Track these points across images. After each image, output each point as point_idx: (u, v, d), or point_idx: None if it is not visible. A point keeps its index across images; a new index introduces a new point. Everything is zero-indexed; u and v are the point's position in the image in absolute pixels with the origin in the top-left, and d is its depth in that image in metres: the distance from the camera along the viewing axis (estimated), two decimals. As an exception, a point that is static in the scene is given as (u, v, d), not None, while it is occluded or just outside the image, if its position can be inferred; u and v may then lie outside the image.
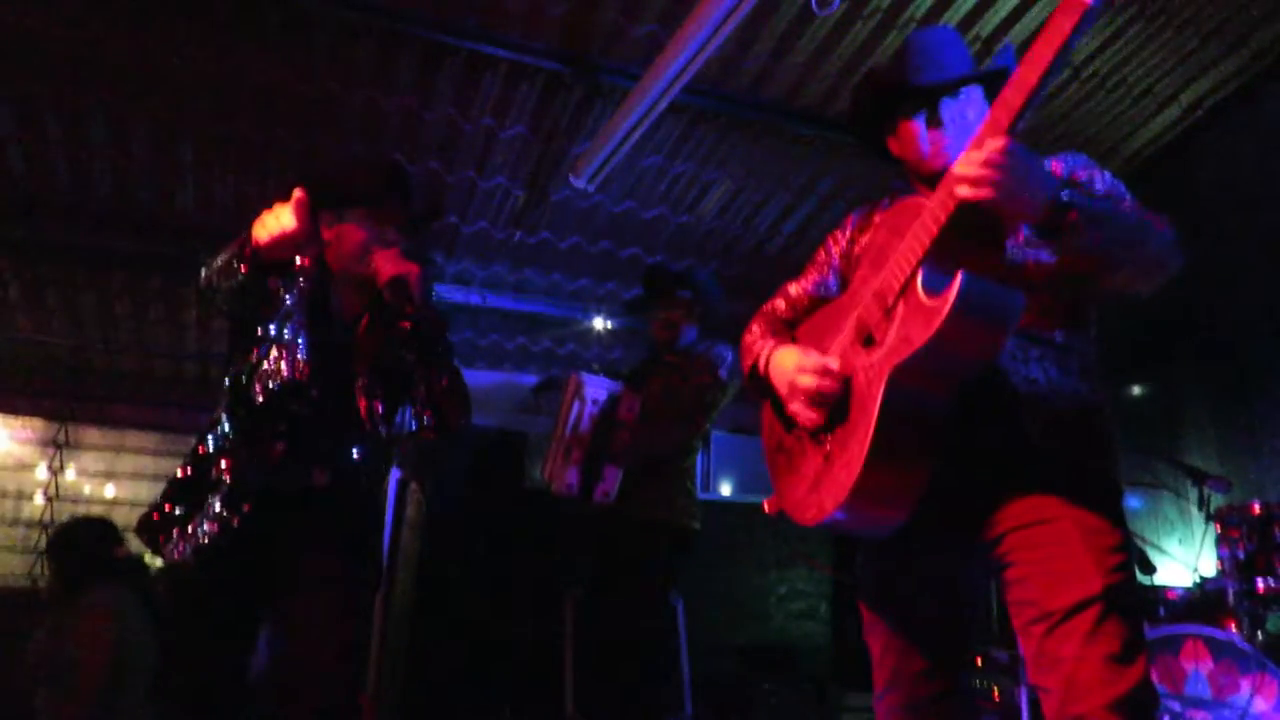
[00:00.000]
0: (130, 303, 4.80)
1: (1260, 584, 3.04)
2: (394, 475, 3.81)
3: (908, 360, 1.33)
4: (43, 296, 4.71)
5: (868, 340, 1.47)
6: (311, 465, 1.96)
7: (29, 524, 5.20)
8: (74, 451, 5.37)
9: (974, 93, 1.63)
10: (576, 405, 3.24)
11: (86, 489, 5.40)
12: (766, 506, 1.72)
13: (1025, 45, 1.26)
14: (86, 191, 4.07)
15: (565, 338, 5.56)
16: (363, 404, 2.01)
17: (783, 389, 1.63)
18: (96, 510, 5.07)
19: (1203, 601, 3.27)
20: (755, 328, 1.83)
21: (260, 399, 1.94)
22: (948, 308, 1.26)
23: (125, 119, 3.74)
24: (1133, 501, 4.44)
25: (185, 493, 1.95)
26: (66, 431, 5.32)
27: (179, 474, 1.99)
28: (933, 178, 1.53)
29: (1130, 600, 1.39)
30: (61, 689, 3.37)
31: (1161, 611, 3.37)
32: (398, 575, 4.50)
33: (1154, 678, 3.02)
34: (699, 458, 5.49)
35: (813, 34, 3.60)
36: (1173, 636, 3.02)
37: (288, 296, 2.00)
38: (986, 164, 1.25)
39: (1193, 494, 3.48)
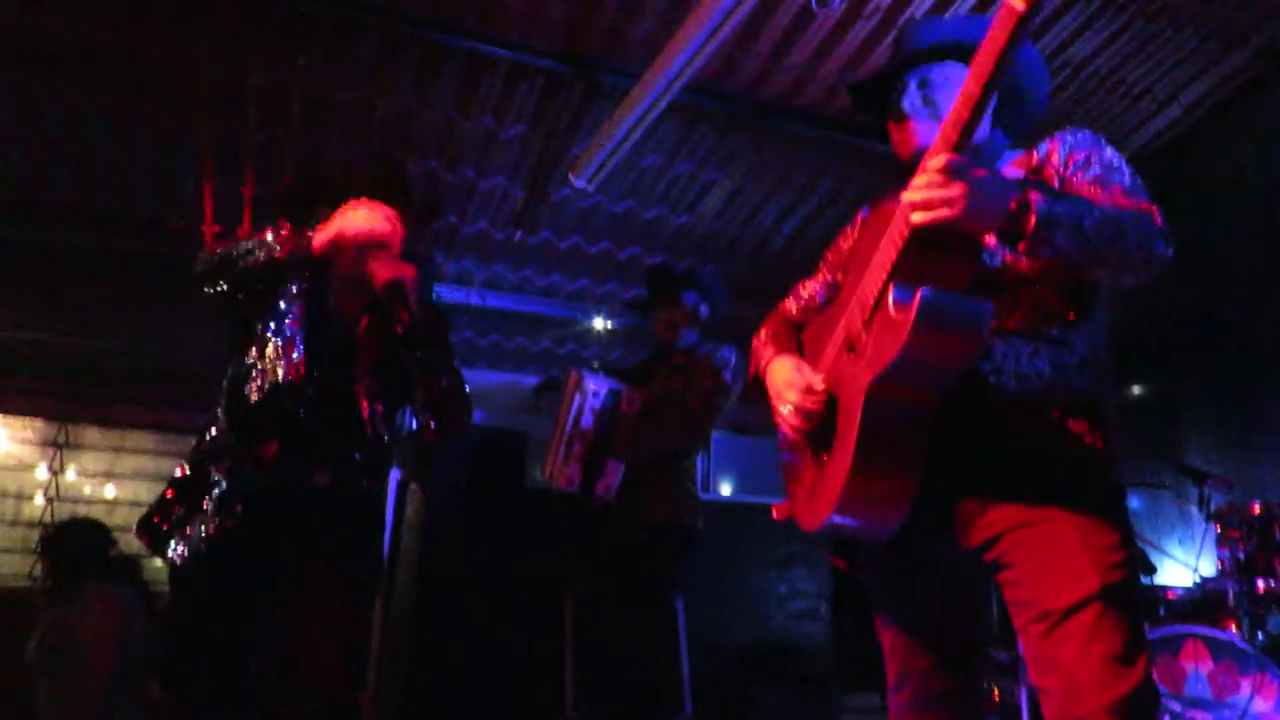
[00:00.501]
0: (130, 303, 4.80)
1: (1260, 584, 3.04)
2: (394, 475, 3.81)
3: (882, 373, 1.34)
4: (43, 297, 4.72)
5: (853, 348, 1.48)
6: (312, 466, 1.96)
7: (29, 524, 5.20)
8: (74, 451, 5.37)
9: (951, 73, 1.60)
10: (578, 399, 3.24)
11: (86, 489, 5.40)
12: (776, 513, 1.72)
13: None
14: (86, 191, 4.07)
15: (565, 338, 5.56)
16: (364, 406, 2.01)
17: (773, 401, 1.66)
18: (97, 510, 5.08)
19: (1203, 601, 3.27)
20: (763, 332, 1.85)
21: (255, 399, 1.95)
22: (909, 325, 1.27)
23: (125, 119, 3.74)
24: (1133, 501, 4.44)
25: (184, 493, 1.95)
26: (66, 431, 5.32)
27: (178, 474, 1.99)
28: (909, 169, 1.51)
29: (1130, 599, 1.37)
30: (67, 685, 3.39)
31: (1161, 611, 3.37)
32: (398, 575, 4.50)
33: (1154, 678, 3.01)
34: (699, 457, 5.51)
35: (813, 34, 3.60)
36: (1173, 636, 3.02)
37: (282, 299, 2.00)
38: (931, 185, 1.25)
39: (1193, 494, 3.48)
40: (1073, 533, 1.38)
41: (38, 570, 3.81)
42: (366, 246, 1.92)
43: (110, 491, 5.44)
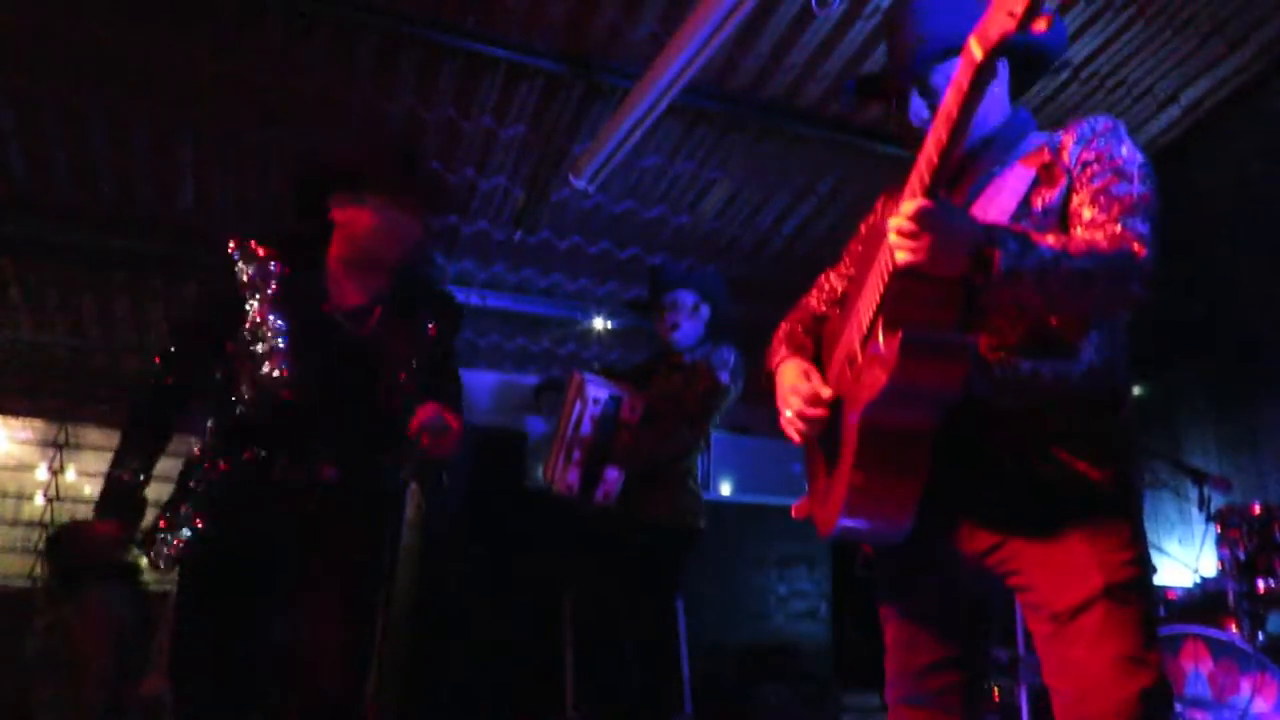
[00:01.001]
0: (130, 303, 4.80)
1: (1260, 584, 3.03)
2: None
3: (873, 402, 1.35)
4: (43, 296, 4.72)
5: (852, 364, 1.48)
6: (315, 461, 1.96)
7: (29, 524, 5.20)
8: (74, 452, 5.38)
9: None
10: (578, 406, 3.25)
11: (86, 489, 5.40)
12: (795, 511, 1.73)
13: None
14: (86, 191, 4.07)
15: (565, 338, 5.56)
16: (383, 398, 2.01)
17: (779, 404, 1.67)
18: (96, 510, 5.08)
19: (1203, 601, 3.27)
20: (782, 328, 1.85)
21: (247, 397, 1.95)
22: (893, 363, 1.29)
23: (125, 119, 3.74)
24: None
25: (171, 500, 1.97)
26: (66, 431, 5.32)
27: (179, 477, 2.00)
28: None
29: (1140, 597, 1.36)
30: (65, 686, 3.40)
31: (1161, 611, 3.37)
32: (398, 575, 4.50)
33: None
34: (699, 457, 5.50)
35: (813, 34, 3.60)
36: (1173, 636, 3.02)
37: (255, 298, 1.99)
38: (901, 233, 1.27)
39: (1193, 494, 3.48)
40: (1077, 533, 1.38)
41: (38, 570, 3.82)
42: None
43: (110, 491, 5.43)
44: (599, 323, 5.29)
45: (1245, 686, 2.80)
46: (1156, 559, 3.61)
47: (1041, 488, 1.42)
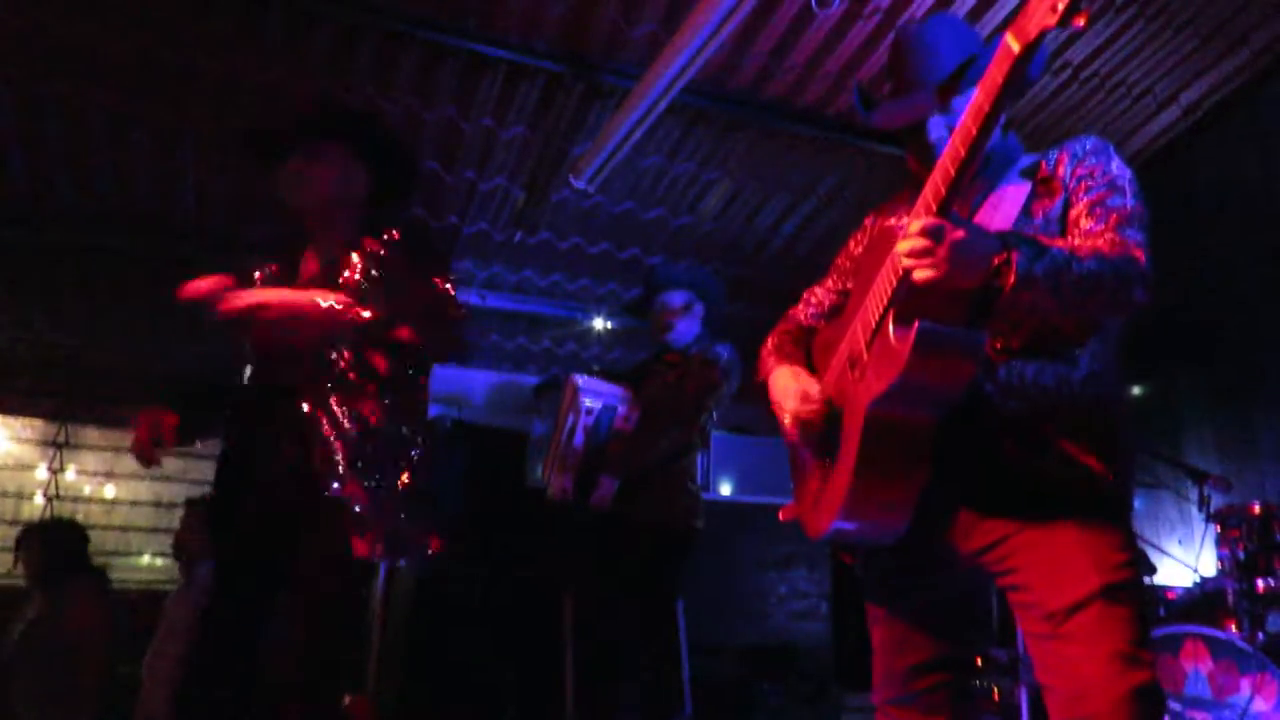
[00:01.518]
0: (130, 302, 4.80)
1: (1260, 584, 3.04)
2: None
3: (880, 397, 1.36)
4: (43, 296, 4.72)
5: (855, 366, 1.50)
6: (279, 467, 1.97)
7: (29, 524, 5.20)
8: (74, 451, 5.38)
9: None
10: (572, 416, 3.27)
11: (86, 489, 5.40)
12: (783, 514, 1.74)
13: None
14: (86, 191, 4.07)
15: (565, 338, 5.57)
16: (307, 407, 1.96)
17: (775, 410, 1.69)
18: (96, 510, 5.09)
19: (1203, 601, 3.27)
20: (770, 341, 1.87)
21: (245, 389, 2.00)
22: (905, 356, 1.30)
23: (125, 119, 3.74)
24: (1133, 501, 4.43)
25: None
26: (66, 431, 5.32)
27: None
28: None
29: (1134, 597, 1.38)
30: (56, 680, 3.42)
31: (1161, 611, 3.37)
32: (397, 575, 4.50)
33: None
34: (699, 456, 5.50)
35: (813, 34, 3.60)
36: (1173, 636, 3.01)
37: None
38: (914, 248, 1.28)
39: (1193, 494, 3.48)
40: (1073, 534, 1.40)
41: (17, 567, 3.84)
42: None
43: (110, 491, 5.44)
44: (599, 323, 5.30)
45: (1245, 686, 2.80)
46: (1156, 559, 3.62)
47: (1040, 488, 1.43)
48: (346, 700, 4.09)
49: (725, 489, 5.35)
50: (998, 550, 1.47)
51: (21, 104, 3.64)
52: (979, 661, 3.59)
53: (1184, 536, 4.26)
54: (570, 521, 3.50)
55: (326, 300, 1.89)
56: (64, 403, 5.28)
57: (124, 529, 5.35)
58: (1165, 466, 3.97)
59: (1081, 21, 1.10)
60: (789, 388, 1.64)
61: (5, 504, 5.21)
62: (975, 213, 1.54)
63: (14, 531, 5.14)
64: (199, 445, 5.64)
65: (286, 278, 2.11)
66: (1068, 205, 1.52)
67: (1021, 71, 1.18)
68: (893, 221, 1.65)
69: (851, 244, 1.87)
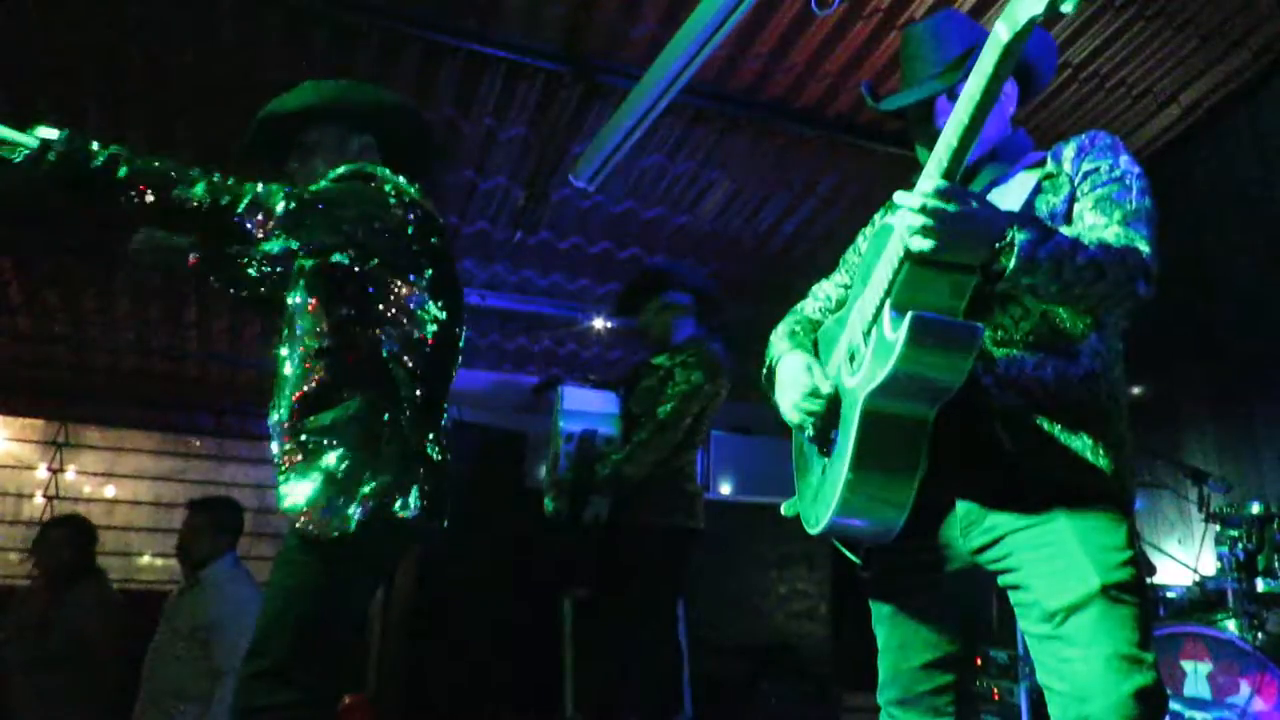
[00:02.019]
0: (130, 303, 4.80)
1: (1260, 584, 3.04)
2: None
3: (876, 388, 1.35)
4: (43, 296, 4.71)
5: (853, 357, 1.50)
6: None
7: (29, 523, 5.20)
8: (74, 451, 5.37)
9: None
10: (556, 442, 3.36)
11: (86, 489, 5.40)
12: (785, 509, 1.73)
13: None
14: (86, 191, 4.07)
15: (565, 338, 5.57)
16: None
17: (780, 399, 1.68)
18: (96, 510, 5.08)
19: (1203, 601, 3.27)
20: (781, 327, 1.86)
21: None
22: (899, 345, 1.28)
23: (125, 119, 3.74)
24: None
25: None
26: (66, 431, 5.32)
27: None
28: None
29: (1135, 597, 1.36)
30: (71, 678, 3.45)
31: (1161, 611, 3.37)
32: (397, 575, 4.50)
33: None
34: (699, 455, 5.50)
35: (813, 34, 3.60)
36: (1173, 636, 3.02)
37: None
38: (916, 219, 1.25)
39: (1193, 494, 3.48)
40: (1074, 533, 1.39)
41: (31, 567, 3.84)
42: None
43: (110, 491, 5.44)
44: (599, 323, 5.30)
45: (1245, 686, 2.80)
46: (1156, 559, 3.62)
47: (1039, 486, 1.42)
48: (346, 700, 4.09)
49: (725, 489, 5.35)
50: (997, 548, 1.46)
51: (22, 104, 3.64)
52: (979, 662, 3.59)
53: (1184, 536, 4.25)
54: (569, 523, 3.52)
55: None
56: (64, 403, 5.28)
57: (124, 529, 5.35)
58: (1165, 466, 3.97)
59: (1068, 7, 1.09)
60: (799, 380, 1.62)
61: (5, 504, 5.20)
62: None
63: (14, 531, 5.16)
64: (197, 444, 5.65)
65: None
66: (1073, 200, 1.52)
67: (1012, 58, 1.17)
68: (890, 220, 1.64)
69: (860, 240, 1.87)
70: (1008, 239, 1.29)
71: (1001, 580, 1.48)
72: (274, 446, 1.89)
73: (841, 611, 4.75)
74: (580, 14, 3.45)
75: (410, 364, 1.89)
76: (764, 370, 1.80)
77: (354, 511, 1.75)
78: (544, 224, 4.62)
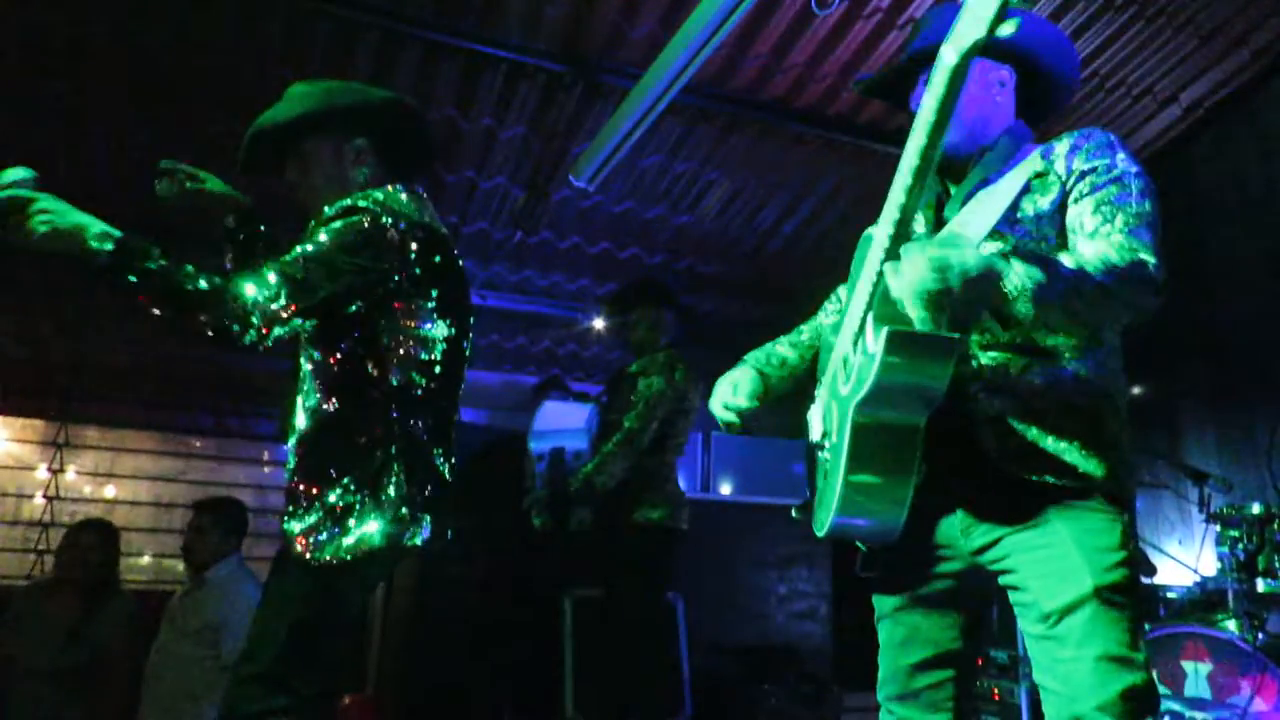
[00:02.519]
0: (130, 303, 4.79)
1: (1260, 584, 3.04)
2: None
3: (863, 399, 1.35)
4: (43, 297, 4.71)
5: (845, 364, 1.50)
6: None
7: (29, 523, 5.20)
8: (74, 451, 5.37)
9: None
10: (530, 461, 3.55)
11: (86, 489, 5.40)
12: (795, 512, 1.76)
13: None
14: (87, 191, 4.06)
15: (565, 338, 5.57)
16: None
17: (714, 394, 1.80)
18: (96, 510, 5.08)
19: (1203, 601, 3.27)
20: (789, 336, 1.92)
21: None
22: (878, 361, 1.30)
23: (123, 118, 3.74)
24: (1133, 501, 4.43)
25: None
26: (66, 431, 5.32)
27: None
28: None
29: (1128, 599, 1.37)
30: (93, 687, 3.45)
31: (1161, 611, 3.37)
32: (397, 576, 4.50)
33: (1155, 678, 3.00)
34: (698, 455, 5.51)
35: (813, 34, 3.60)
36: (1173, 636, 3.02)
37: None
38: (910, 296, 1.24)
39: (1193, 494, 3.48)
40: (1069, 535, 1.40)
41: (39, 570, 3.82)
42: None
43: (110, 491, 5.44)
44: (599, 323, 5.29)
45: (1245, 686, 2.80)
46: (1156, 559, 3.62)
47: (1033, 489, 1.43)
48: (346, 700, 4.09)
49: (725, 489, 5.35)
50: (996, 549, 1.47)
51: (23, 104, 3.64)
52: (979, 662, 3.59)
53: (1184, 536, 4.25)
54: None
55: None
56: (64, 403, 5.27)
57: (124, 529, 5.34)
58: (1165, 466, 3.96)
59: (1008, 29, 1.13)
60: (722, 392, 1.76)
61: (5, 504, 5.20)
62: (963, 205, 1.52)
63: (14, 532, 5.16)
64: (197, 444, 5.65)
65: None
66: (1064, 200, 1.50)
67: (961, 78, 1.19)
68: (872, 230, 1.64)
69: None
70: (1013, 288, 1.27)
71: (1001, 580, 1.49)
72: (287, 465, 1.92)
73: (841, 611, 4.75)
74: (580, 14, 3.45)
75: (421, 388, 1.88)
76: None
77: (349, 543, 1.76)
78: (544, 224, 4.62)
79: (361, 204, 1.86)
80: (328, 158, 2.05)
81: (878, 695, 1.67)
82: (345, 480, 1.79)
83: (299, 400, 1.92)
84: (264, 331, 1.70)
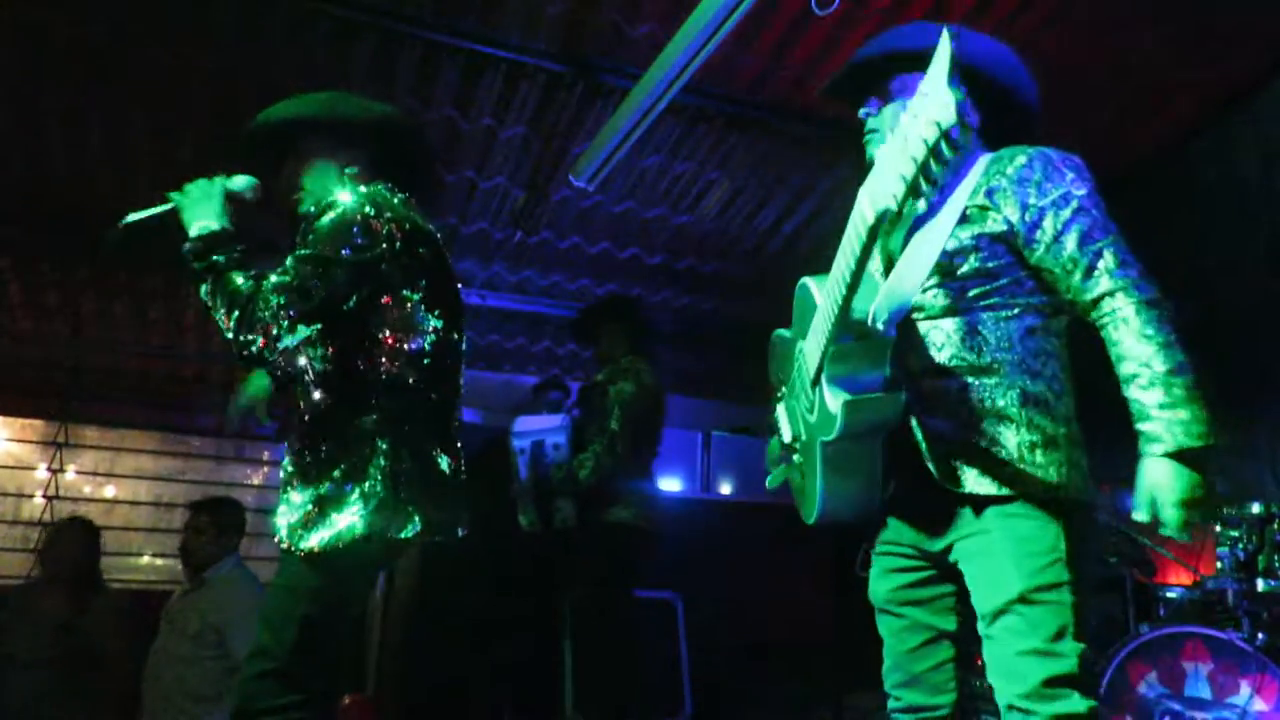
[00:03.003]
0: (130, 303, 4.80)
1: (1260, 584, 3.04)
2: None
3: (828, 440, 1.53)
4: (43, 296, 4.71)
5: (813, 388, 1.60)
6: None
7: (29, 523, 5.20)
8: (74, 451, 5.37)
9: (910, 81, 1.71)
10: (513, 456, 3.64)
11: (86, 489, 5.40)
12: (770, 482, 2.00)
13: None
14: (86, 191, 4.07)
15: (565, 338, 5.56)
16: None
17: None
18: (96, 510, 5.08)
19: (1203, 601, 3.28)
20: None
21: None
22: (838, 425, 1.48)
23: (125, 119, 3.74)
24: (1133, 501, 4.42)
25: None
26: (66, 431, 5.32)
27: None
28: None
29: (1057, 599, 1.48)
30: (88, 679, 3.47)
31: (1161, 611, 3.37)
32: (396, 576, 4.50)
33: (1154, 678, 3.03)
34: (698, 455, 5.51)
35: (813, 34, 3.59)
36: (1173, 636, 3.02)
37: None
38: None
39: (1193, 494, 3.47)
40: (1002, 541, 1.52)
41: (36, 568, 3.85)
42: None
43: (110, 491, 5.44)
44: (598, 323, 5.29)
45: (1245, 686, 2.80)
46: (1156, 559, 3.61)
47: (975, 500, 1.55)
48: (346, 700, 4.09)
49: (725, 489, 5.35)
50: (951, 555, 1.61)
51: (22, 104, 3.64)
52: (978, 660, 3.58)
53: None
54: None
55: None
56: (64, 403, 5.27)
57: (124, 529, 5.35)
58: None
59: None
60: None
61: (5, 504, 5.20)
62: (905, 243, 1.62)
63: (14, 531, 5.16)
64: (197, 444, 5.65)
65: None
66: (1022, 232, 1.58)
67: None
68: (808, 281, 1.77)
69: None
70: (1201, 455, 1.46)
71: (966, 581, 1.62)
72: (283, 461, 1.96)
73: (841, 611, 4.75)
74: (580, 14, 3.44)
75: (412, 380, 1.91)
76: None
77: (331, 533, 1.78)
78: (544, 224, 4.62)
79: (346, 197, 1.92)
80: (322, 160, 2.09)
81: (885, 685, 1.75)
82: (333, 472, 1.82)
83: (297, 391, 1.96)
84: (272, 345, 1.78)
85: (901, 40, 1.76)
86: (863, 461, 1.59)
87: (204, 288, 1.84)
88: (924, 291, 1.59)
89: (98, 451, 5.43)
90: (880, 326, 1.46)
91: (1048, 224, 1.56)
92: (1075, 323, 1.68)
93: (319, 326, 1.87)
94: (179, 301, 4.82)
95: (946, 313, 1.60)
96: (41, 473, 5.30)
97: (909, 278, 1.48)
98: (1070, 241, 1.55)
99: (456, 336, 2.05)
